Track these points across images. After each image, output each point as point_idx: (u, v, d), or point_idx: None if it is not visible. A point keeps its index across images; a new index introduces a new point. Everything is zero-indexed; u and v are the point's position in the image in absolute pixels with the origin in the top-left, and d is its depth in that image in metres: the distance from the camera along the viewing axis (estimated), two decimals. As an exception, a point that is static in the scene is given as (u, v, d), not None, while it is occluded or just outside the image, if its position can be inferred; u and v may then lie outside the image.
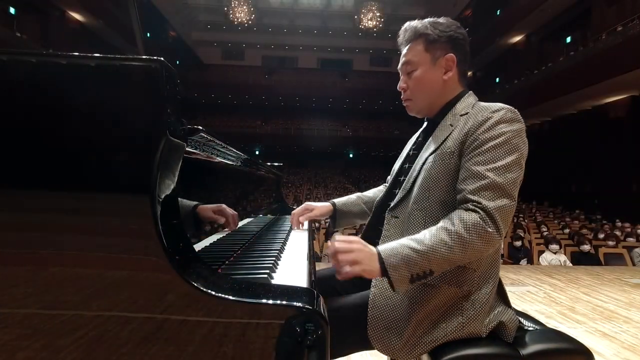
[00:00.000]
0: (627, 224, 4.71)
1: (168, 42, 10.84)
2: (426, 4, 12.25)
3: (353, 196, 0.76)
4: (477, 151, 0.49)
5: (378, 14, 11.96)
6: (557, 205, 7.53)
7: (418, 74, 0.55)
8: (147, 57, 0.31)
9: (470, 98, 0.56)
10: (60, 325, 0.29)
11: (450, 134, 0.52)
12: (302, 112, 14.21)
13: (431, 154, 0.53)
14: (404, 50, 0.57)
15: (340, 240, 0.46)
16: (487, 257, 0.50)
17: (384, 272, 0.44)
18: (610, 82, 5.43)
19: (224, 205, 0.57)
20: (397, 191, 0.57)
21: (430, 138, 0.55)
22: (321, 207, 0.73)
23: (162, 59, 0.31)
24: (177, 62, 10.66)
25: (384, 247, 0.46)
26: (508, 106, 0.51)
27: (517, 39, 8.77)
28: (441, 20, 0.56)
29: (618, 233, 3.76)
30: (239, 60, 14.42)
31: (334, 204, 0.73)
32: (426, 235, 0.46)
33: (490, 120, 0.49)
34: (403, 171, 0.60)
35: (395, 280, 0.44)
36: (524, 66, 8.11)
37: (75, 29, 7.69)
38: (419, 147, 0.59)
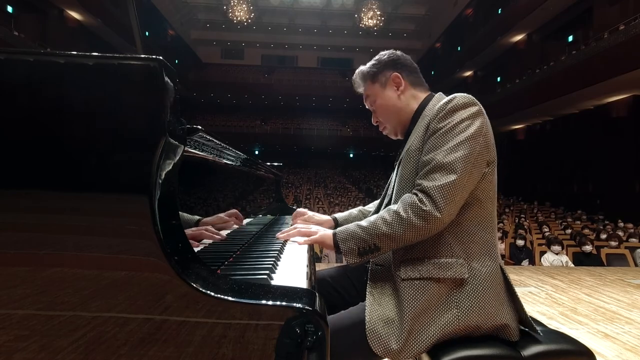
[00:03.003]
0: (629, 225, 4.68)
1: (167, 41, 10.85)
2: (426, 3, 12.21)
3: (354, 210, 0.76)
4: (429, 141, 0.52)
5: (378, 13, 11.93)
6: (559, 206, 7.49)
7: (379, 102, 0.62)
8: (146, 56, 0.31)
9: (437, 99, 0.59)
10: (58, 326, 0.29)
11: (417, 133, 0.56)
12: (301, 111, 14.20)
13: (403, 155, 0.57)
14: (361, 92, 0.65)
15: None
16: (476, 247, 0.50)
17: (336, 244, 0.52)
18: (612, 81, 5.41)
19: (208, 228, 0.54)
20: (385, 201, 0.62)
21: (405, 146, 0.59)
22: (322, 221, 0.70)
23: (161, 58, 0.31)
24: (176, 61, 10.66)
25: (341, 227, 0.54)
26: (462, 94, 0.53)
27: (518, 38, 8.73)
28: (377, 56, 0.64)
29: (620, 233, 3.73)
30: (239, 59, 14.43)
31: (335, 220, 0.72)
32: (374, 216, 0.52)
33: (444, 110, 0.52)
34: (391, 183, 0.64)
35: (345, 252, 0.51)
36: (525, 65, 8.07)
37: (74, 28, 7.69)
38: (399, 156, 0.62)
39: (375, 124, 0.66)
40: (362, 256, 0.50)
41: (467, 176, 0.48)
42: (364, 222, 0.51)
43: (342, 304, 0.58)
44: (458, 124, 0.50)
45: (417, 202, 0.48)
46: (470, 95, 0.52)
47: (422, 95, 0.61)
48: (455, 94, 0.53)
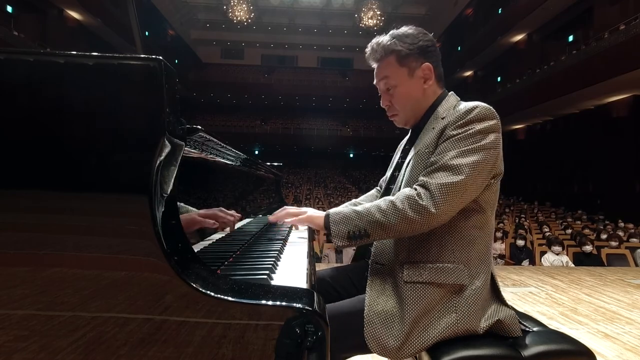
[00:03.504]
0: (630, 225, 4.68)
1: (167, 40, 10.85)
2: (426, 3, 12.21)
3: (348, 204, 0.75)
4: (441, 145, 0.51)
5: (378, 13, 11.92)
6: (559, 206, 7.48)
7: (400, 89, 0.57)
8: (146, 56, 0.31)
9: (451, 99, 0.58)
10: (58, 327, 0.29)
11: (429, 135, 0.54)
12: (301, 111, 14.20)
13: (413, 156, 0.56)
14: (377, 69, 0.58)
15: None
16: (476, 253, 0.51)
17: (327, 225, 0.51)
18: (613, 81, 5.40)
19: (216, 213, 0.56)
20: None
21: (415, 143, 0.58)
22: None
23: (160, 57, 0.31)
24: (176, 61, 10.66)
25: (334, 208, 0.54)
26: (483, 104, 0.52)
27: (518, 37, 8.73)
28: (404, 31, 0.56)
29: (621, 233, 3.73)
30: (239, 59, 14.41)
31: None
32: (370, 203, 0.52)
33: (463, 119, 0.51)
34: (393, 179, 0.63)
35: (334, 233, 0.50)
36: (526, 65, 8.07)
37: (74, 28, 7.69)
38: (405, 154, 0.61)
39: (384, 107, 0.60)
40: (351, 240, 0.50)
41: (471, 182, 0.48)
42: (359, 208, 0.52)
43: (342, 304, 0.58)
44: (473, 134, 0.50)
45: (415, 195, 0.49)
46: (491, 107, 0.52)
47: (440, 90, 0.59)
48: (477, 104, 0.52)
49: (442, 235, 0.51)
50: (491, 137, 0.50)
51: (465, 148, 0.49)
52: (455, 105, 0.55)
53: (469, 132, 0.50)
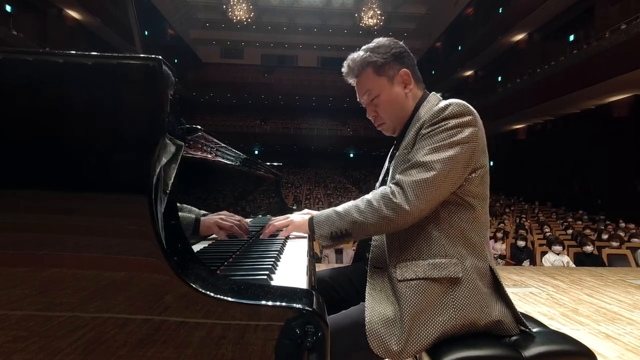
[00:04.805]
0: (631, 225, 4.67)
1: (166, 40, 10.85)
2: (427, 3, 12.21)
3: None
4: (417, 144, 0.53)
5: (379, 12, 11.91)
6: (559, 206, 7.47)
7: (383, 98, 0.59)
8: (145, 55, 0.31)
9: (431, 100, 0.59)
10: (57, 327, 0.29)
11: (408, 136, 0.56)
12: (301, 111, 14.22)
13: (394, 158, 0.57)
14: (356, 83, 0.60)
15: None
16: (468, 247, 0.51)
17: (311, 227, 0.54)
18: (614, 81, 5.40)
19: (223, 220, 0.57)
20: None
21: (400, 146, 0.59)
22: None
23: (160, 57, 0.31)
24: (176, 61, 10.67)
25: (319, 211, 0.56)
26: (458, 101, 0.53)
27: (519, 37, 8.72)
28: (376, 43, 0.59)
29: (622, 234, 3.72)
30: (238, 58, 14.44)
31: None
32: (350, 202, 0.54)
33: (437, 117, 0.52)
34: (384, 184, 0.64)
35: (318, 234, 0.53)
36: (526, 65, 8.06)
37: (73, 27, 7.70)
38: (392, 158, 0.63)
39: (370, 118, 0.62)
40: (334, 240, 0.52)
41: (443, 177, 0.49)
42: (339, 208, 0.54)
43: (342, 304, 0.58)
44: (446, 130, 0.51)
45: (389, 194, 0.50)
46: (465, 104, 0.52)
47: (421, 92, 0.61)
48: (451, 101, 0.53)
49: (430, 232, 0.51)
50: (466, 133, 0.51)
51: (438, 144, 0.50)
52: (435, 105, 0.56)
53: (441, 128, 0.51)
